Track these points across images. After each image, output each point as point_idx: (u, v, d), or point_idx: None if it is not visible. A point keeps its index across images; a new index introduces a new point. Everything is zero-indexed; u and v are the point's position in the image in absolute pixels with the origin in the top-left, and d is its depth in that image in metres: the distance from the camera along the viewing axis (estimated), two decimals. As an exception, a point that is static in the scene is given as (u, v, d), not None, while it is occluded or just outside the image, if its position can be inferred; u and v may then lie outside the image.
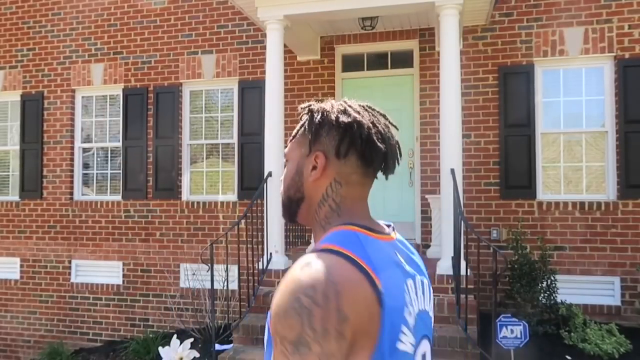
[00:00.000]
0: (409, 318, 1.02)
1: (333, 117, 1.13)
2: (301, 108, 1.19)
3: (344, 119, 1.12)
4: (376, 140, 1.14)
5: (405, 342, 1.00)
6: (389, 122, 1.22)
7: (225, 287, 5.08)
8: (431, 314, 1.16)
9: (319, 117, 1.14)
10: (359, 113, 1.14)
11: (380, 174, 1.23)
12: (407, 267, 1.10)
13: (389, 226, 1.18)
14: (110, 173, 7.48)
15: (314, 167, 1.14)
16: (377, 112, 1.20)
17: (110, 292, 7.18)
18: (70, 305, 7.35)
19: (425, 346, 1.11)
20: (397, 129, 1.26)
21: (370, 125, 1.14)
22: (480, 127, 6.12)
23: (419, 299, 1.09)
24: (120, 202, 7.23)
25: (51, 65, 7.63)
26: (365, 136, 1.12)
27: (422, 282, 1.14)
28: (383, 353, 0.94)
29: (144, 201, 7.14)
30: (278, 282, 5.03)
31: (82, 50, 7.51)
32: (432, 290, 1.20)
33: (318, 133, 1.13)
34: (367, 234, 1.08)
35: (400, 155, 1.24)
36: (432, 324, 1.17)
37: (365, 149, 1.12)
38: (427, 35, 6.33)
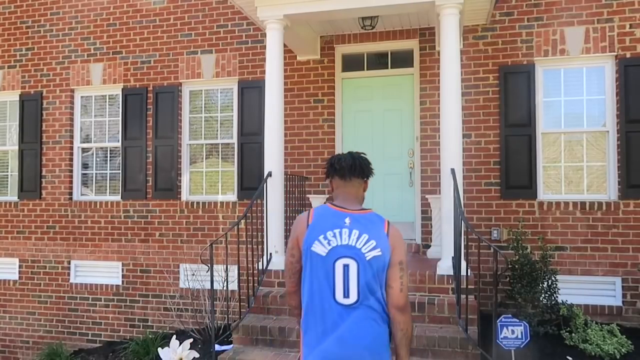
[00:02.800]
0: (320, 243, 2.23)
1: (328, 164, 2.46)
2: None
3: (327, 164, 2.47)
4: (336, 166, 2.39)
5: (317, 249, 2.23)
6: (355, 155, 2.42)
7: (225, 288, 5.07)
8: (365, 250, 2.20)
9: (327, 166, 2.46)
10: (333, 158, 2.44)
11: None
12: (348, 223, 2.26)
13: (362, 209, 2.34)
14: (110, 173, 7.46)
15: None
16: (350, 153, 2.44)
17: (110, 293, 7.16)
18: (69, 306, 7.33)
19: (348, 261, 2.20)
20: (365, 159, 2.45)
21: (333, 159, 2.43)
22: (481, 126, 6.11)
23: (351, 239, 2.22)
24: (120, 202, 7.22)
25: (50, 65, 7.62)
26: (333, 166, 2.41)
27: (360, 236, 2.22)
28: (307, 247, 2.26)
29: (144, 201, 7.12)
30: (278, 283, 5.01)
31: (81, 50, 7.50)
32: (369, 239, 2.22)
33: (327, 172, 2.46)
34: (330, 205, 2.35)
35: (357, 168, 2.39)
36: (365, 257, 2.20)
37: (332, 167, 2.42)
38: (428, 35, 6.32)
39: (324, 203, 2.58)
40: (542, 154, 6.02)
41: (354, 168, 2.37)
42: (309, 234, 2.28)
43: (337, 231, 2.24)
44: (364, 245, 2.21)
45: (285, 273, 2.47)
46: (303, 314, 2.29)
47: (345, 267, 2.20)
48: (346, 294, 2.19)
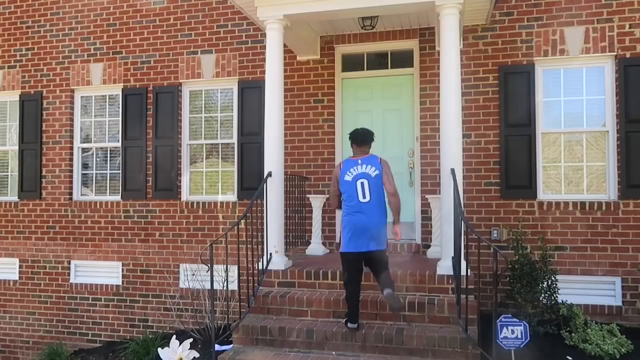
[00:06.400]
0: (348, 174, 4.33)
1: (351, 136, 4.57)
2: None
3: (350, 136, 4.58)
4: (352, 136, 4.52)
5: (346, 178, 4.33)
6: (364, 129, 4.53)
7: (225, 288, 5.06)
8: (370, 173, 4.29)
9: (350, 137, 4.58)
10: (353, 130, 4.58)
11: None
12: (360, 162, 4.36)
13: (366, 154, 4.44)
14: (110, 173, 7.46)
15: None
16: (362, 128, 4.57)
17: (110, 293, 7.17)
18: (69, 306, 7.34)
19: (363, 181, 4.28)
20: (371, 132, 4.53)
21: (353, 132, 4.53)
22: (481, 126, 6.11)
23: (363, 169, 4.31)
24: (120, 202, 7.22)
25: (50, 65, 7.62)
26: (350, 135, 4.53)
27: (366, 167, 4.32)
28: (341, 178, 4.37)
29: (144, 201, 7.13)
30: (278, 283, 5.02)
31: (81, 50, 7.50)
32: (372, 167, 4.31)
33: (350, 139, 4.58)
34: (351, 158, 4.48)
35: (366, 137, 4.48)
36: (372, 176, 4.29)
37: (351, 138, 4.52)
38: (427, 35, 6.32)
39: (348, 157, 4.51)
40: (542, 154, 6.02)
41: (364, 139, 4.45)
42: (341, 172, 4.35)
43: (355, 167, 4.33)
44: (369, 170, 4.29)
45: (331, 195, 4.60)
46: (343, 211, 4.36)
47: (362, 183, 4.27)
48: (364, 196, 4.25)
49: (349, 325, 4.35)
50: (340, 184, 4.38)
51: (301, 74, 6.69)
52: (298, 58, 6.69)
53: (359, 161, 4.34)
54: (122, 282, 7.13)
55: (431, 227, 5.85)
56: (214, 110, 7.13)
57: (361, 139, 4.44)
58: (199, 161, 7.16)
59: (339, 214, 6.54)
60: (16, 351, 7.51)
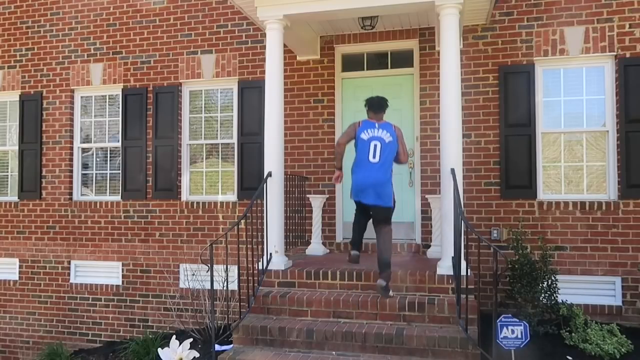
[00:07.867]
0: (365, 133, 4.70)
1: (368, 104, 4.89)
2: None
3: (367, 103, 4.90)
4: (368, 103, 4.85)
5: (362, 136, 4.70)
6: (380, 97, 4.86)
7: (225, 288, 5.07)
8: (385, 138, 4.66)
9: (366, 104, 4.91)
10: (369, 97, 4.92)
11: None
12: (377, 126, 4.72)
13: (382, 121, 4.80)
14: (110, 173, 7.46)
15: None
16: (377, 96, 4.88)
17: (110, 293, 7.17)
18: (69, 306, 7.34)
19: (376, 143, 4.65)
20: (385, 99, 4.88)
21: (369, 99, 4.86)
22: (481, 126, 6.11)
23: (377, 133, 4.68)
24: (120, 202, 7.22)
25: (50, 65, 7.62)
26: (367, 102, 4.87)
27: (382, 132, 4.68)
28: (358, 135, 4.74)
29: (144, 201, 7.13)
30: (278, 283, 5.01)
31: (81, 50, 7.50)
32: (387, 133, 4.67)
33: (366, 107, 4.90)
34: (367, 119, 4.83)
35: (381, 105, 4.82)
36: (385, 141, 4.65)
37: (368, 105, 4.85)
38: (427, 35, 6.32)
39: (365, 118, 4.85)
40: (542, 154, 6.02)
41: (380, 106, 4.79)
42: (359, 130, 4.71)
43: (372, 129, 4.69)
44: (384, 136, 4.65)
45: (343, 135, 4.81)
46: (353, 166, 4.72)
47: (375, 145, 4.63)
48: (374, 157, 4.62)
49: (352, 252, 4.97)
50: (356, 140, 4.78)
51: (301, 74, 6.69)
52: (298, 58, 6.69)
53: (376, 125, 4.71)
54: (122, 282, 7.13)
55: (431, 227, 5.85)
56: (214, 110, 7.13)
57: (377, 106, 4.78)
58: (199, 161, 7.16)
59: (339, 214, 6.57)
60: (16, 351, 7.51)
